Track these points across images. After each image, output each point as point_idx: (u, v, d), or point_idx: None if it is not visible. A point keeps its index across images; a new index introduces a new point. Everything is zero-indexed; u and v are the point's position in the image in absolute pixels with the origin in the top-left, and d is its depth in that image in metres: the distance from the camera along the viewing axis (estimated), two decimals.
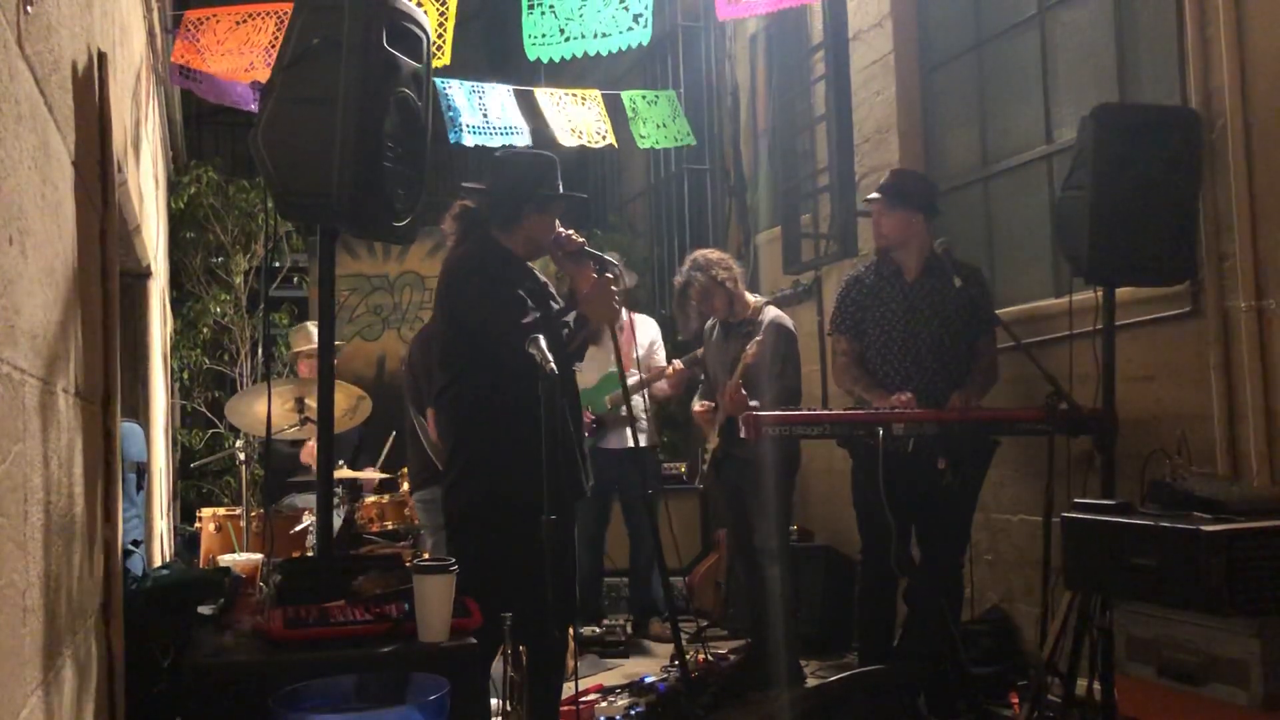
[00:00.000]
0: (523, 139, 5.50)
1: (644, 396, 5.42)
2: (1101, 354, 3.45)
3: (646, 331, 5.53)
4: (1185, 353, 3.67)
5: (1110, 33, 4.16)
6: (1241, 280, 3.41)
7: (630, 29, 4.38)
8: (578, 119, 5.62)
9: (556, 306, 3.27)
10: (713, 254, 4.51)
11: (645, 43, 4.52)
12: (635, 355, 5.39)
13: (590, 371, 5.20)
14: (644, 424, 5.42)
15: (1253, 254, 3.39)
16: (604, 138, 5.71)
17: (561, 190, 3.28)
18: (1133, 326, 3.76)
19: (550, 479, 2.82)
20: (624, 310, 5.36)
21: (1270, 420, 3.36)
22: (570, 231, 3.26)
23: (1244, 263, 3.40)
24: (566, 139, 5.52)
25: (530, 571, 2.93)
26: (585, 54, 4.46)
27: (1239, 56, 3.42)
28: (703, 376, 4.77)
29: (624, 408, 5.23)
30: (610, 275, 3.16)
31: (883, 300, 4.04)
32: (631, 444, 5.23)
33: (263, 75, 4.33)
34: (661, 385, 5.28)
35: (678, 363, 5.16)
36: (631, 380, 5.33)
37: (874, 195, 4.08)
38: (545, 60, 4.48)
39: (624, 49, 4.50)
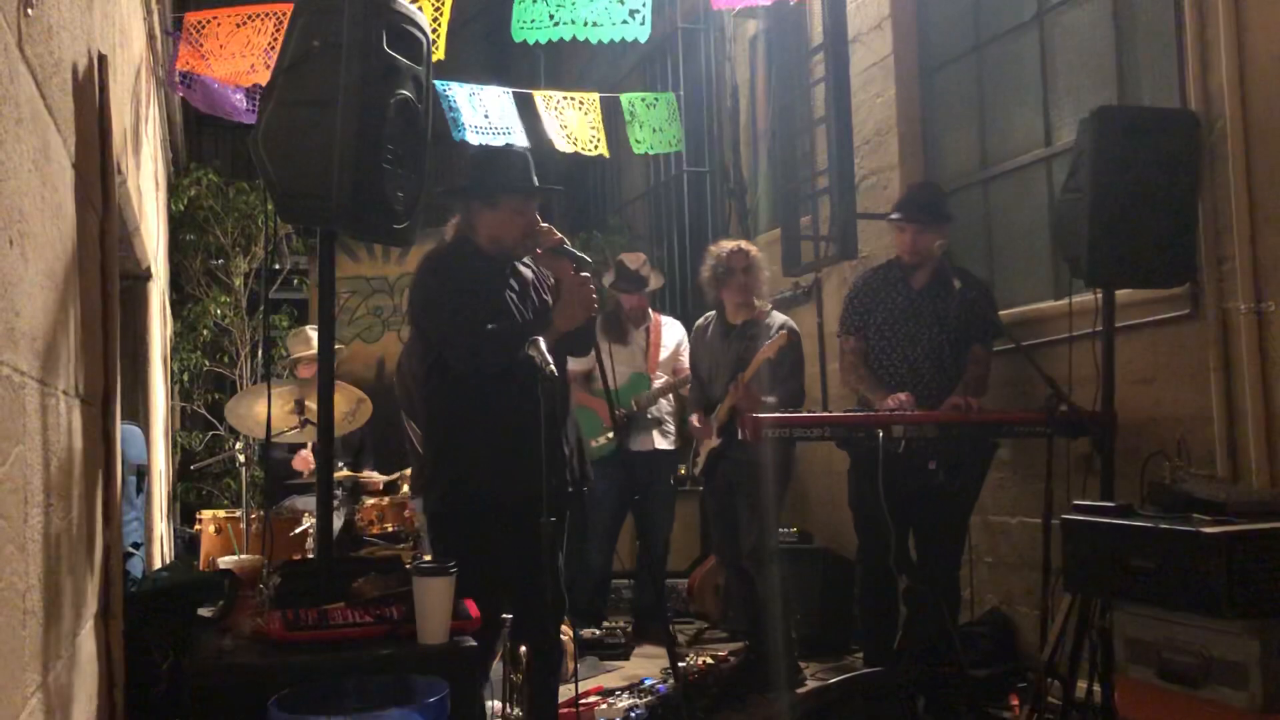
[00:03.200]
0: (519, 138, 5.50)
1: (669, 399, 5.43)
2: (1101, 356, 3.45)
3: (673, 334, 5.54)
4: (1185, 355, 3.67)
5: (1109, 35, 4.16)
6: (1241, 282, 3.41)
7: (625, 22, 4.37)
8: (573, 124, 5.61)
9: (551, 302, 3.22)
10: None
11: (643, 39, 4.50)
12: (660, 357, 5.42)
13: (619, 372, 5.21)
14: (669, 426, 5.44)
15: (1252, 256, 3.39)
16: (596, 146, 5.69)
17: (536, 186, 3.14)
18: (1132, 329, 3.76)
19: (519, 479, 2.81)
20: (650, 312, 5.44)
21: (1270, 422, 3.36)
22: (547, 226, 3.14)
23: (1243, 264, 3.40)
24: (562, 144, 5.52)
25: (500, 571, 2.94)
26: (575, 39, 4.44)
27: (1238, 58, 3.42)
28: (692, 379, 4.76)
29: (645, 409, 5.26)
30: (587, 274, 3.04)
31: (887, 303, 4.07)
32: (656, 446, 5.29)
33: (263, 78, 4.34)
34: (687, 389, 5.28)
35: None
36: (657, 383, 5.36)
37: (898, 217, 4.07)
38: (532, 42, 4.45)
39: (618, 41, 4.48)
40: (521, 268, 3.22)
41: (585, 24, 4.37)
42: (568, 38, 4.42)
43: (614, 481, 5.03)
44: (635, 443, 5.28)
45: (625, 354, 5.16)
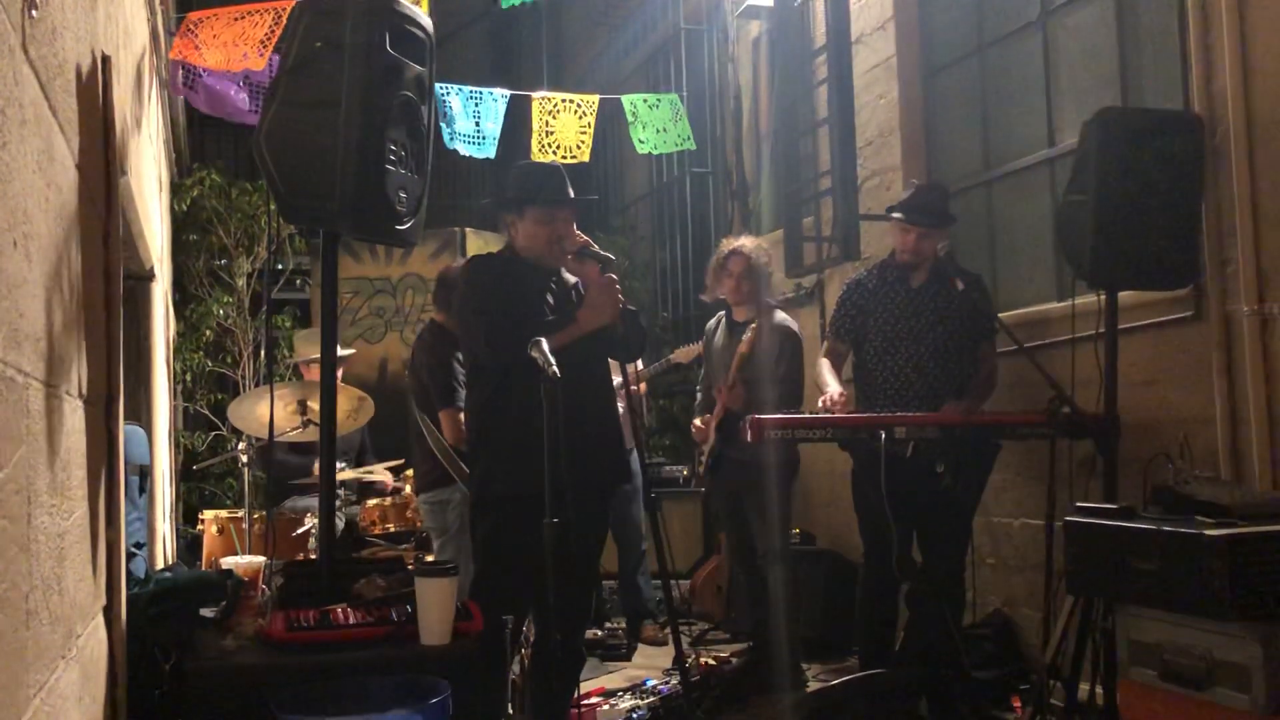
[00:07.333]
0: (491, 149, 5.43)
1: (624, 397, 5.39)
2: (1104, 358, 3.45)
3: None
4: (1188, 357, 3.67)
5: (1113, 37, 4.16)
6: (1244, 284, 3.41)
7: None
8: (561, 130, 5.56)
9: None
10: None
11: None
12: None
13: None
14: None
15: (1255, 258, 3.39)
16: (579, 152, 5.63)
17: (570, 199, 3.29)
18: (1135, 330, 3.76)
19: (531, 478, 2.82)
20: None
21: (1273, 424, 3.35)
22: (574, 231, 3.29)
23: (1246, 266, 3.40)
24: (539, 154, 5.49)
25: (518, 571, 2.99)
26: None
27: (1241, 60, 3.42)
28: (702, 375, 4.75)
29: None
30: (613, 275, 3.20)
31: (885, 304, 4.04)
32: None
33: (255, 64, 4.35)
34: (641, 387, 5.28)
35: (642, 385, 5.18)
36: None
37: (901, 218, 4.03)
38: (518, 3, 4.49)
39: None
40: (566, 276, 3.36)
41: None
42: None
43: None
44: None
45: None
